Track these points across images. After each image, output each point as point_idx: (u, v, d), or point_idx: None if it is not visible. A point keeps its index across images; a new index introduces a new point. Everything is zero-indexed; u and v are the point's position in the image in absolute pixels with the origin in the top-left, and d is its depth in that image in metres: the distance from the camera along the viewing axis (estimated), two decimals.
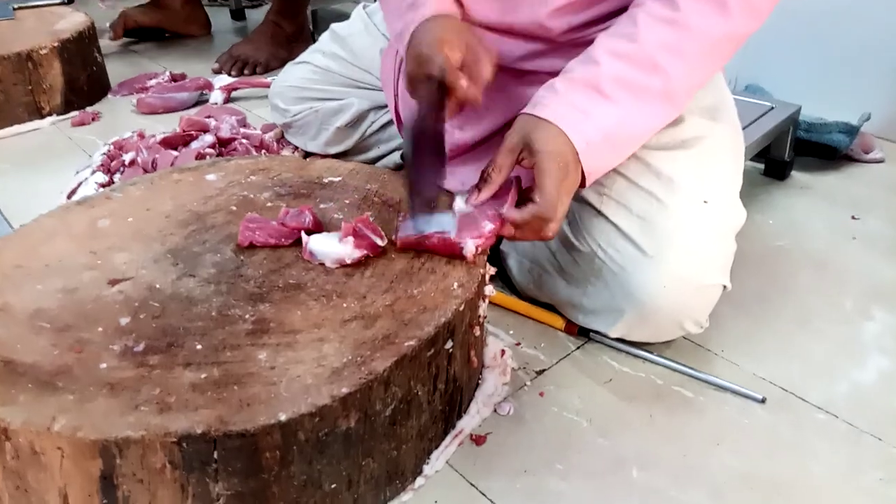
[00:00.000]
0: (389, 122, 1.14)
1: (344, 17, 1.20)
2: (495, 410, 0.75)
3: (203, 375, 0.57)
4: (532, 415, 0.75)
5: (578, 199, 0.80)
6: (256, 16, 2.11)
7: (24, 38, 1.43)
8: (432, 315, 0.64)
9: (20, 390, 0.56)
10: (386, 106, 1.13)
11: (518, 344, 0.84)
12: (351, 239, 0.70)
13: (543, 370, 0.81)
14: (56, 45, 1.41)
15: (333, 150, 1.16)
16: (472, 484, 0.68)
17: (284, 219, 0.74)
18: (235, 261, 0.71)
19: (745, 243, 0.85)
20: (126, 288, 0.68)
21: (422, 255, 0.72)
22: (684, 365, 0.79)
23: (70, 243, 0.75)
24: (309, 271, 0.70)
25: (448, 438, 0.71)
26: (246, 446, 0.53)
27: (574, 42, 0.83)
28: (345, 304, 0.65)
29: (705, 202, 0.76)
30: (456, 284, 0.67)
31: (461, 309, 0.65)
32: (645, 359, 0.81)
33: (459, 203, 0.73)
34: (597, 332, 0.83)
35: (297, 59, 1.20)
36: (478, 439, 0.72)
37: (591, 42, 0.83)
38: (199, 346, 0.60)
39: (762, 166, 1.19)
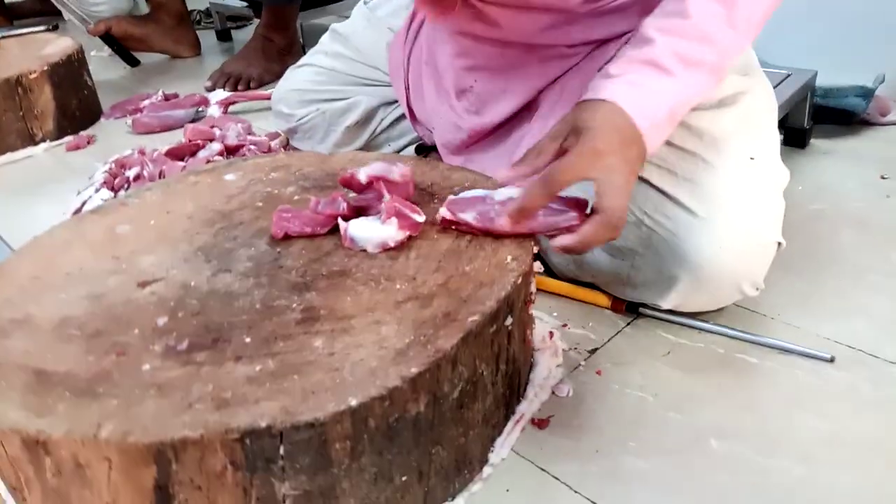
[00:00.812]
0: (400, 118, 1.10)
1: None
2: (553, 393, 0.71)
3: (258, 368, 0.52)
4: (593, 394, 0.71)
5: None
6: (242, 36, 2.08)
7: (12, 64, 1.39)
8: (491, 290, 0.60)
9: (57, 399, 0.51)
10: (395, 101, 1.10)
11: (565, 325, 0.80)
12: (394, 220, 0.66)
13: (596, 349, 0.77)
14: (46, 68, 1.37)
15: (343, 151, 1.12)
16: (542, 469, 0.63)
17: (318, 207, 0.70)
18: (272, 253, 0.67)
19: None
20: (158, 289, 0.63)
21: (466, 233, 0.68)
22: (744, 331, 0.75)
23: (89, 251, 0.70)
24: (351, 258, 0.65)
25: (510, 424, 0.67)
26: (315, 438, 0.49)
27: (594, 12, 0.80)
28: (396, 287, 0.61)
29: (752, 159, 0.73)
30: (510, 258, 0.63)
31: (518, 282, 0.61)
32: (701, 329, 0.77)
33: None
34: (647, 307, 0.79)
35: (299, 63, 1.17)
36: (540, 423, 0.68)
37: (611, 11, 0.81)
38: (247, 339, 0.56)
39: (781, 136, 1.16)
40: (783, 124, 1.15)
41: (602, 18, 0.81)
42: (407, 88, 1.03)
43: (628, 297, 0.80)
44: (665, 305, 0.77)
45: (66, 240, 0.73)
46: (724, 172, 0.72)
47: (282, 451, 0.49)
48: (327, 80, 1.11)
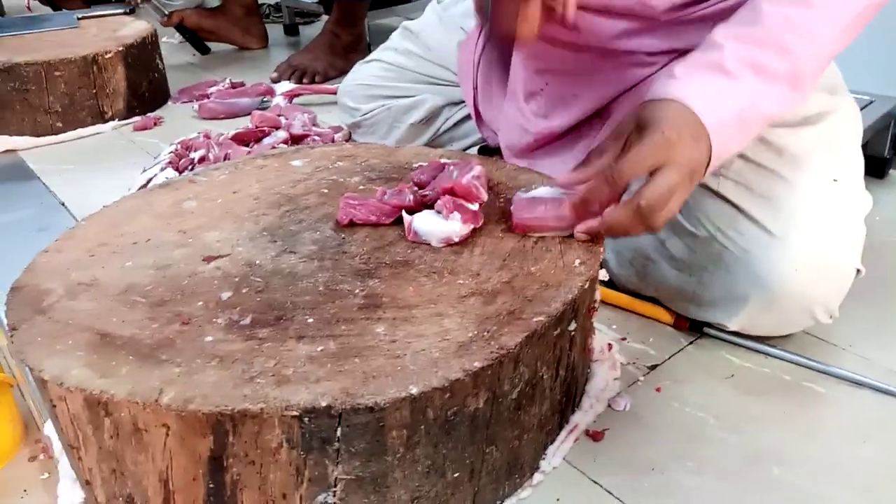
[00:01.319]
0: (465, 119, 1.10)
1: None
2: (609, 406, 0.69)
3: (319, 348, 0.52)
4: (650, 411, 0.69)
5: None
6: (309, 31, 2.11)
7: (89, 43, 1.43)
8: (557, 291, 0.58)
9: (121, 362, 0.52)
10: (461, 102, 1.09)
11: (624, 339, 0.78)
12: (457, 216, 0.65)
13: (656, 365, 0.75)
14: (120, 49, 1.40)
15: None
16: (594, 481, 0.61)
17: (384, 197, 0.69)
18: (336, 238, 0.66)
19: None
20: (223, 264, 0.63)
21: (530, 235, 0.66)
22: (813, 360, 0.73)
23: (157, 222, 0.71)
24: (414, 249, 0.65)
25: (563, 433, 0.65)
26: (373, 423, 0.48)
27: (676, 20, 0.78)
28: (459, 281, 0.60)
29: (835, 181, 0.70)
30: (578, 262, 0.62)
31: (585, 287, 0.60)
32: (768, 353, 0.74)
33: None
34: (712, 327, 0.77)
35: (368, 58, 1.17)
36: (595, 435, 0.66)
37: (693, 20, 0.79)
38: (310, 320, 0.55)
39: None
40: (862, 152, 1.11)
41: (683, 28, 0.79)
42: (475, 89, 1.03)
43: (692, 314, 0.77)
44: (731, 326, 0.74)
45: (134, 210, 0.74)
46: (803, 191, 0.70)
47: (339, 432, 0.48)
48: (395, 76, 1.12)
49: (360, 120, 1.15)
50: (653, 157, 0.60)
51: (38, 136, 1.36)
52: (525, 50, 0.90)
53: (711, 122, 0.62)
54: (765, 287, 0.69)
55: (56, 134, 1.37)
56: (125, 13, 1.65)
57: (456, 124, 1.11)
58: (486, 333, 0.54)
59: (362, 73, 1.16)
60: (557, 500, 0.60)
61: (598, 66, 0.84)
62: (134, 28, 1.53)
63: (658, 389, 0.71)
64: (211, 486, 0.51)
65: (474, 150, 1.11)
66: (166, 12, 1.79)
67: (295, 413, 0.47)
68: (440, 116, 1.11)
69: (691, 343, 0.77)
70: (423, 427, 0.50)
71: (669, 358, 0.75)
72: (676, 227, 0.75)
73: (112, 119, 1.42)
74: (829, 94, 0.76)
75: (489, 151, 1.09)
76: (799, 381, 0.71)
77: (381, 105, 1.12)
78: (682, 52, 0.80)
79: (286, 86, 1.50)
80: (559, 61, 0.86)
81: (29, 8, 2.24)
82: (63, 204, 1.14)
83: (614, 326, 0.80)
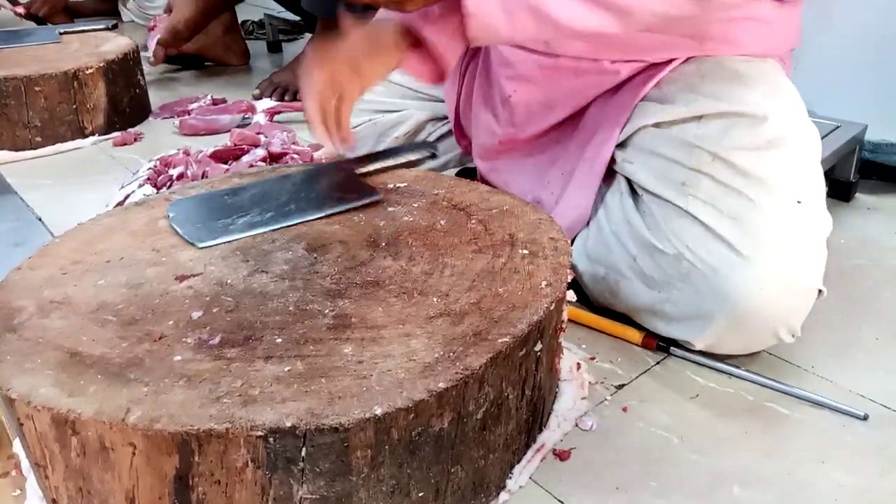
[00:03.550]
0: (447, 134, 1.12)
1: None
2: (577, 425, 0.70)
3: (287, 368, 0.53)
4: (617, 430, 0.70)
5: (661, 199, 0.76)
6: (292, 48, 2.12)
7: (71, 59, 1.43)
8: (523, 313, 0.59)
9: (89, 381, 0.52)
10: (444, 118, 1.11)
11: (592, 358, 0.79)
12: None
13: (623, 385, 0.76)
14: (102, 65, 1.41)
15: None
16: (560, 501, 0.62)
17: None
18: (308, 258, 0.67)
19: None
20: (195, 283, 0.64)
21: (501, 255, 0.68)
22: (776, 380, 0.74)
23: (131, 240, 0.72)
24: (385, 269, 0.66)
25: (530, 452, 0.66)
26: (337, 443, 0.49)
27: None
28: (428, 301, 0.61)
29: (799, 202, 0.72)
30: (545, 283, 0.63)
31: (551, 308, 0.61)
32: (732, 374, 0.76)
33: None
34: (678, 346, 0.78)
35: None
36: (561, 454, 0.67)
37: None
38: (278, 340, 0.56)
39: (826, 187, 1.15)
40: (829, 176, 1.13)
41: (647, 38, 0.82)
42: (458, 105, 1.05)
43: (661, 331, 0.79)
44: (698, 344, 0.76)
45: (109, 228, 0.74)
46: (770, 212, 0.71)
47: (303, 452, 0.49)
48: (383, 90, 1.13)
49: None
50: None
51: (17, 150, 1.37)
52: (498, 57, 0.92)
53: None
54: (731, 305, 0.71)
55: (35, 149, 1.38)
56: (107, 29, 1.66)
57: (438, 139, 1.13)
58: (451, 354, 0.55)
59: None
60: None
61: (564, 75, 0.87)
62: (116, 44, 1.53)
63: (625, 409, 0.72)
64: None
65: (453, 171, 1.13)
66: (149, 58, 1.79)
67: (260, 433, 0.48)
68: (424, 131, 1.13)
69: (658, 363, 0.78)
70: (387, 447, 0.51)
71: (637, 377, 0.77)
72: (648, 245, 0.77)
73: (92, 134, 1.43)
74: (790, 117, 0.78)
75: (468, 174, 1.11)
76: (762, 402, 0.73)
77: (367, 119, 1.14)
78: (648, 67, 0.83)
79: (267, 103, 1.51)
80: (528, 69, 0.89)
81: (20, 14, 2.24)
82: (40, 219, 1.14)
83: (584, 346, 0.81)
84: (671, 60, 0.83)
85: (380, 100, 1.12)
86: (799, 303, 0.72)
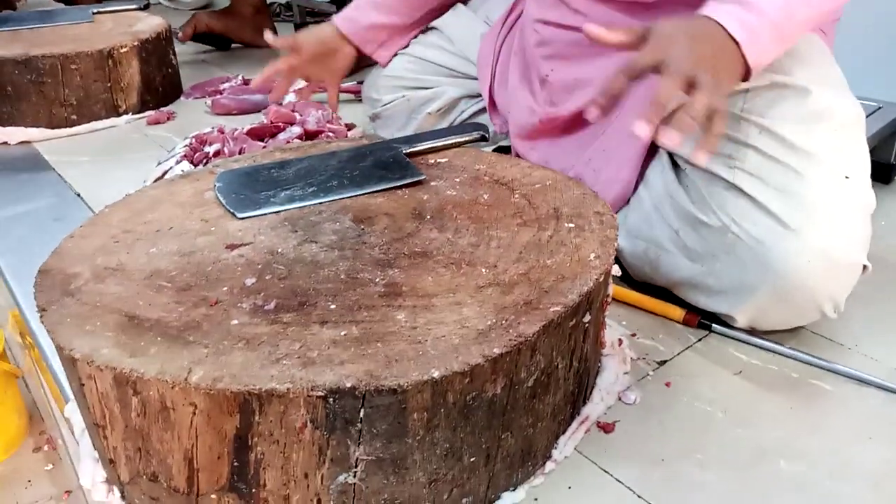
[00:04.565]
0: (479, 112, 1.12)
1: None
2: (620, 399, 0.71)
3: (342, 333, 0.53)
4: (660, 404, 0.70)
5: (706, 172, 0.76)
6: None
7: (105, 38, 1.44)
8: (573, 283, 0.60)
9: (149, 343, 0.53)
10: (477, 96, 1.11)
11: (634, 335, 0.80)
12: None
13: (665, 361, 0.76)
14: (136, 44, 1.42)
15: None
16: (605, 471, 0.63)
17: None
18: (356, 229, 0.68)
19: None
20: (246, 252, 0.65)
21: (547, 228, 0.68)
22: (820, 358, 0.74)
23: (179, 210, 0.72)
24: (432, 241, 0.66)
25: (575, 424, 0.66)
26: (395, 405, 0.49)
27: (671, 6, 0.81)
28: (476, 272, 0.62)
29: (846, 178, 0.72)
30: (592, 255, 0.63)
31: (600, 280, 0.61)
32: (775, 351, 0.76)
33: None
34: (720, 323, 0.78)
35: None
36: (606, 427, 0.67)
37: (688, 5, 0.81)
38: (332, 306, 0.57)
39: None
40: (870, 157, 1.12)
41: (682, 12, 0.82)
42: (493, 76, 1.05)
43: (702, 305, 0.79)
44: (739, 318, 0.75)
45: (156, 199, 0.75)
46: (818, 186, 0.71)
47: (362, 413, 0.49)
48: (418, 68, 1.15)
49: (381, 110, 1.18)
50: (661, 47, 0.66)
51: (53, 127, 1.38)
52: (534, 37, 0.92)
53: (739, 31, 0.66)
54: (776, 277, 0.70)
55: (70, 126, 1.39)
56: (139, 8, 1.67)
57: (471, 116, 1.14)
58: (504, 322, 0.55)
59: (389, 65, 1.18)
60: (569, 488, 0.61)
61: (600, 51, 0.86)
62: (148, 23, 1.54)
63: (668, 384, 0.72)
64: (235, 464, 0.52)
65: (486, 149, 1.13)
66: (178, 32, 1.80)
67: (320, 393, 0.48)
68: (457, 108, 1.14)
69: (700, 340, 0.79)
70: (442, 410, 0.51)
71: (678, 354, 0.77)
72: (690, 218, 0.77)
73: (126, 113, 1.44)
74: (835, 91, 0.77)
75: (502, 152, 1.11)
76: (806, 379, 0.73)
77: (401, 96, 1.15)
78: None
79: (299, 82, 1.51)
80: (565, 47, 0.89)
81: None
82: (79, 195, 1.16)
83: (625, 323, 0.81)
84: None
85: (412, 77, 1.13)
86: (844, 277, 0.72)
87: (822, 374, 0.73)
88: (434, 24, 1.15)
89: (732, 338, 0.78)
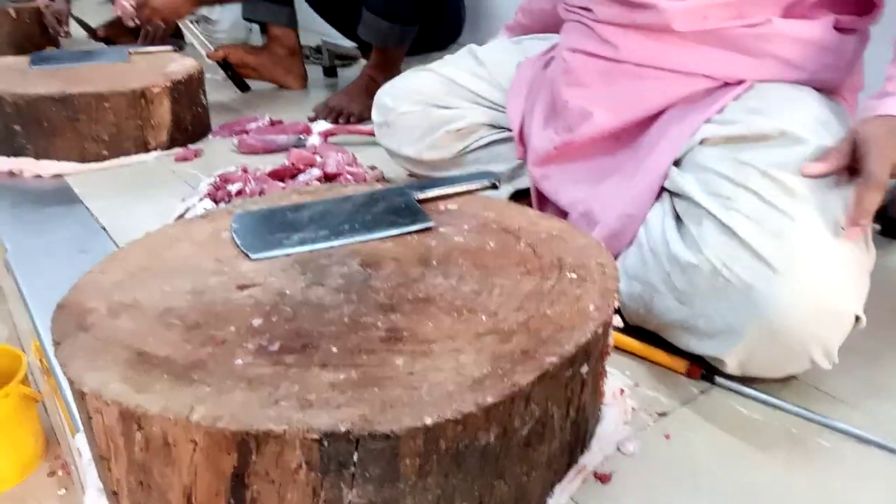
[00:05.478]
0: (497, 142, 1.13)
1: None
2: (618, 449, 0.71)
3: (341, 376, 0.55)
4: (658, 457, 0.70)
5: (700, 214, 0.78)
6: (347, 74, 2.18)
7: (139, 77, 1.50)
8: (570, 334, 0.61)
9: (155, 380, 0.55)
10: (500, 128, 1.12)
11: (636, 385, 0.80)
12: None
13: (666, 413, 0.76)
14: (168, 85, 1.47)
15: (430, 155, 1.15)
16: None
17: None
18: (363, 273, 0.70)
19: None
20: (255, 293, 0.67)
21: (549, 278, 0.69)
22: (820, 414, 0.74)
23: (195, 249, 0.75)
24: (436, 287, 0.68)
25: (571, 473, 0.67)
26: (388, 450, 0.51)
27: (697, 38, 0.86)
28: (476, 319, 0.63)
29: (842, 228, 0.73)
30: (592, 307, 0.65)
31: (598, 331, 0.63)
32: (777, 406, 0.76)
33: None
34: (721, 375, 0.78)
35: (422, 67, 1.21)
36: (602, 477, 0.68)
37: (713, 42, 0.86)
38: (334, 349, 0.58)
39: (878, 226, 1.14)
40: (880, 213, 1.12)
41: (706, 50, 0.86)
42: (525, 106, 1.06)
43: (692, 348, 0.79)
44: (729, 361, 0.76)
45: (174, 238, 0.78)
46: (811, 231, 0.72)
47: (355, 457, 0.51)
48: (445, 89, 1.15)
49: (394, 119, 1.18)
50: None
51: (85, 162, 1.43)
52: (560, 65, 0.95)
53: None
54: (763, 319, 0.71)
55: (101, 161, 1.44)
56: (174, 50, 1.74)
57: (486, 145, 1.15)
58: (500, 371, 0.56)
59: (413, 78, 1.19)
60: None
61: (622, 81, 0.89)
62: (182, 64, 1.60)
63: (667, 436, 0.73)
64: (232, 501, 0.53)
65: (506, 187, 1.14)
66: (212, 47, 1.88)
67: (315, 436, 0.50)
68: (476, 133, 1.14)
69: (703, 392, 0.79)
70: (435, 457, 0.52)
71: (680, 406, 0.77)
72: (682, 261, 0.78)
73: (154, 149, 1.49)
74: (837, 138, 0.79)
75: (520, 196, 1.12)
76: (806, 435, 0.73)
77: (421, 109, 1.15)
78: (710, 91, 0.86)
79: (323, 125, 1.56)
80: (588, 75, 0.92)
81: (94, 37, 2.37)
82: (104, 228, 1.20)
83: (628, 373, 0.82)
84: (735, 85, 0.85)
85: (440, 96, 1.13)
86: (832, 324, 0.72)
87: (822, 431, 0.73)
88: (473, 48, 1.17)
89: (735, 391, 0.78)
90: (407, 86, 1.18)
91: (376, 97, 1.24)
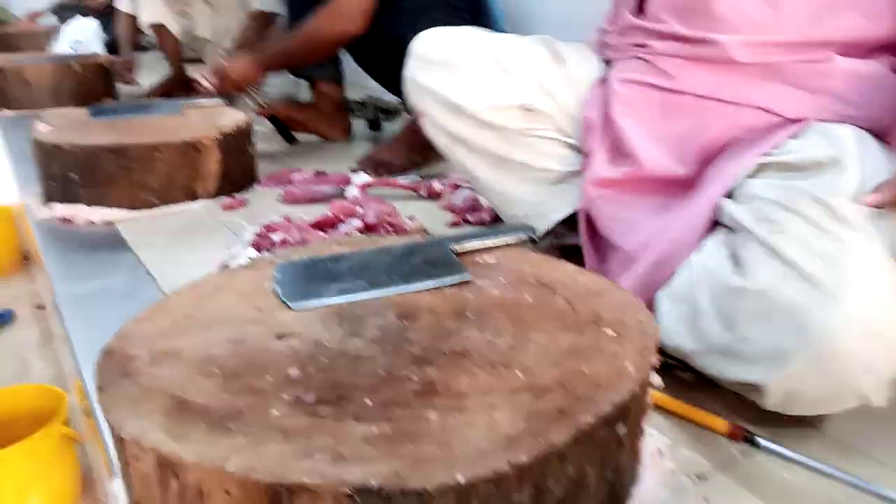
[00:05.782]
0: (557, 141, 1.09)
1: None
2: None
3: (375, 430, 0.55)
4: None
5: (752, 237, 0.77)
6: (391, 127, 2.23)
7: (191, 129, 1.56)
8: (608, 393, 0.60)
9: (193, 429, 0.56)
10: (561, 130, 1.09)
11: (675, 445, 0.78)
12: None
13: (706, 475, 0.74)
14: (218, 137, 1.52)
15: (492, 117, 1.07)
16: None
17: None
18: (400, 326, 0.70)
19: None
20: (293, 343, 0.68)
21: (586, 334, 0.69)
22: (870, 484, 0.71)
23: (237, 299, 0.77)
24: (472, 340, 0.68)
25: None
26: None
27: (759, 72, 0.87)
28: (511, 374, 0.63)
29: (893, 257, 0.71)
30: (629, 365, 0.64)
31: (637, 390, 0.62)
32: (823, 472, 0.73)
33: None
34: (765, 439, 0.76)
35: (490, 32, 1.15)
36: None
37: (774, 76, 0.87)
38: (368, 402, 0.59)
39: None
40: None
41: (766, 85, 0.87)
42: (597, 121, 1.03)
43: (732, 375, 0.77)
44: (773, 389, 0.73)
45: (218, 286, 0.80)
46: (862, 256, 0.70)
47: None
48: (519, 60, 1.08)
49: (466, 60, 1.06)
50: None
51: (134, 209, 1.48)
52: (620, 95, 0.96)
53: None
54: (811, 340, 0.69)
55: (150, 209, 1.49)
56: (226, 104, 1.80)
57: (549, 139, 1.08)
58: (534, 428, 0.56)
59: (486, 35, 1.10)
60: None
61: (678, 113, 0.89)
62: (232, 118, 1.66)
63: (706, 500, 0.71)
64: None
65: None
66: (262, 102, 1.95)
67: (347, 491, 0.50)
68: (544, 123, 1.07)
69: (744, 455, 0.77)
70: None
71: (720, 469, 0.75)
72: (729, 284, 0.77)
73: (202, 198, 1.53)
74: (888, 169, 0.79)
75: (568, 252, 1.11)
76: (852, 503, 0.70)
77: (495, 66, 1.05)
78: (770, 129, 0.87)
79: (363, 177, 1.59)
80: (644, 105, 0.92)
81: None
82: (150, 274, 1.23)
83: (667, 433, 0.80)
84: (793, 122, 0.86)
85: (515, 66, 1.06)
86: (884, 351, 0.69)
87: (870, 501, 0.70)
88: (550, 39, 1.14)
89: (778, 454, 0.76)
90: (480, 38, 1.08)
91: (432, 34, 1.10)
